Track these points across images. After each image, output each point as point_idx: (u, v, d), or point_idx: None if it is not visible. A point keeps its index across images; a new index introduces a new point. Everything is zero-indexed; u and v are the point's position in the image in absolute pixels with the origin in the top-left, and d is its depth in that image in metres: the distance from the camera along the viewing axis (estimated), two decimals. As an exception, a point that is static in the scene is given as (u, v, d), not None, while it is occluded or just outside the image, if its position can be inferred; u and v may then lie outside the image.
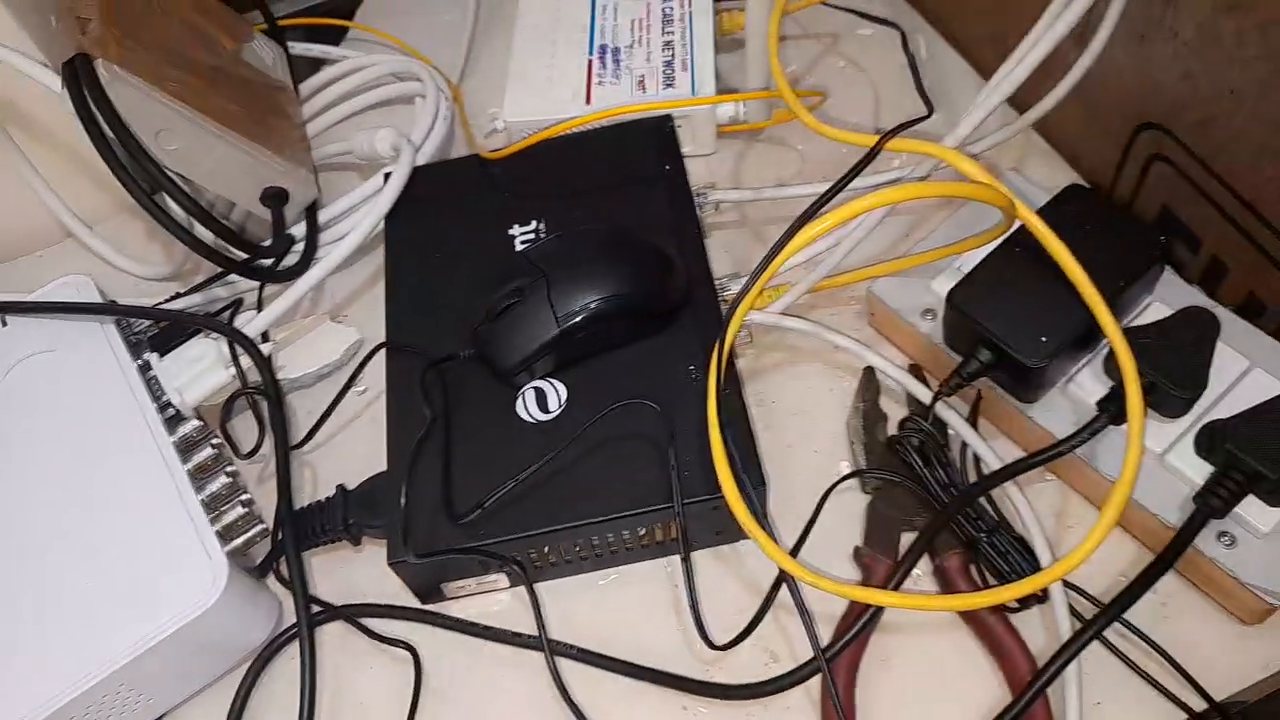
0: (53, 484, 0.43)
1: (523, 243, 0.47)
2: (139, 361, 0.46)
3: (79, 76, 0.44)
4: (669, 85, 0.53)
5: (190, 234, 0.47)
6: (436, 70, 0.59)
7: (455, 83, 0.61)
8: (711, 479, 0.37)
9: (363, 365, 0.48)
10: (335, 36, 0.66)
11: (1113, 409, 0.37)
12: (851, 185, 0.41)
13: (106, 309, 0.47)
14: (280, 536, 0.42)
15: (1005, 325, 0.38)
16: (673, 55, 0.55)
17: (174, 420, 0.44)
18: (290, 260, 0.51)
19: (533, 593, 0.40)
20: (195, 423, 0.44)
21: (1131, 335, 0.37)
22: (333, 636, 0.42)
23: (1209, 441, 0.37)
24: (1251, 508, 0.37)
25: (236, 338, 0.46)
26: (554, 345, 0.41)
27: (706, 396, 0.38)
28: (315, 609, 0.42)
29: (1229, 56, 0.40)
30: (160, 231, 0.46)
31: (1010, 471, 0.38)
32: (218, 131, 0.48)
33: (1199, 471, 0.38)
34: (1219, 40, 0.40)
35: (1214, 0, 0.39)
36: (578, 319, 0.41)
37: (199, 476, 0.43)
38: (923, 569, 0.40)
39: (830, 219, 0.35)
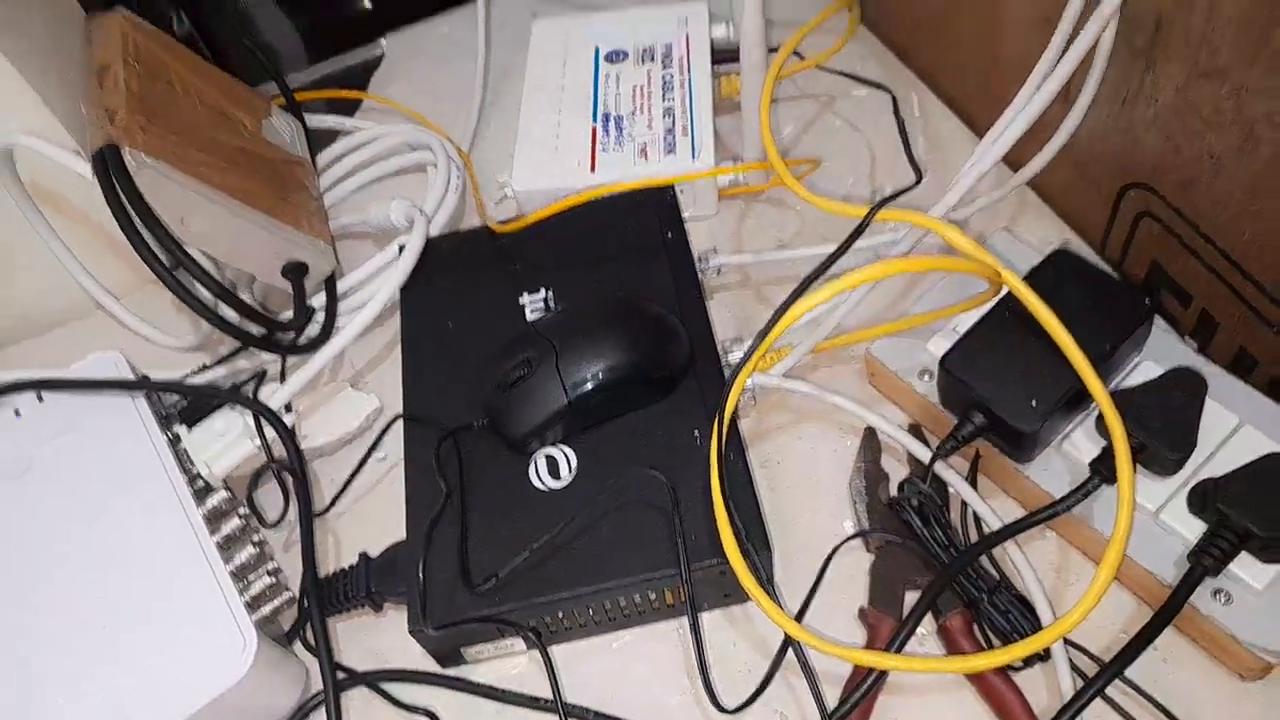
0: (87, 557, 0.44)
1: (532, 310, 0.49)
2: (169, 434, 0.48)
3: (108, 166, 0.46)
4: (670, 151, 0.55)
5: (214, 312, 0.49)
6: (448, 139, 0.62)
7: (465, 150, 0.63)
8: (718, 544, 0.39)
9: (382, 435, 0.50)
10: (349, 107, 0.69)
11: (1105, 469, 0.38)
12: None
13: (138, 385, 0.49)
14: (306, 604, 0.44)
15: (997, 389, 0.40)
16: (673, 122, 0.57)
17: (203, 491, 0.46)
18: (312, 330, 0.53)
19: (547, 657, 0.41)
20: (223, 493, 0.46)
21: (1120, 397, 0.38)
22: (357, 701, 0.44)
23: (1201, 500, 0.38)
24: (1246, 565, 0.38)
25: (261, 411, 0.48)
26: (563, 415, 0.43)
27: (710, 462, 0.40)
28: (340, 675, 0.43)
29: (1206, 121, 0.41)
30: (186, 305, 0.49)
31: (1008, 532, 0.39)
32: (240, 210, 0.50)
33: (1193, 529, 0.39)
34: (1196, 106, 0.41)
35: (1190, 68, 0.41)
36: (585, 389, 0.43)
37: (228, 547, 0.44)
38: (927, 628, 0.41)
39: (819, 295, 0.37)
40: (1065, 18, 0.43)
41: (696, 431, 0.43)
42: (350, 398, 0.53)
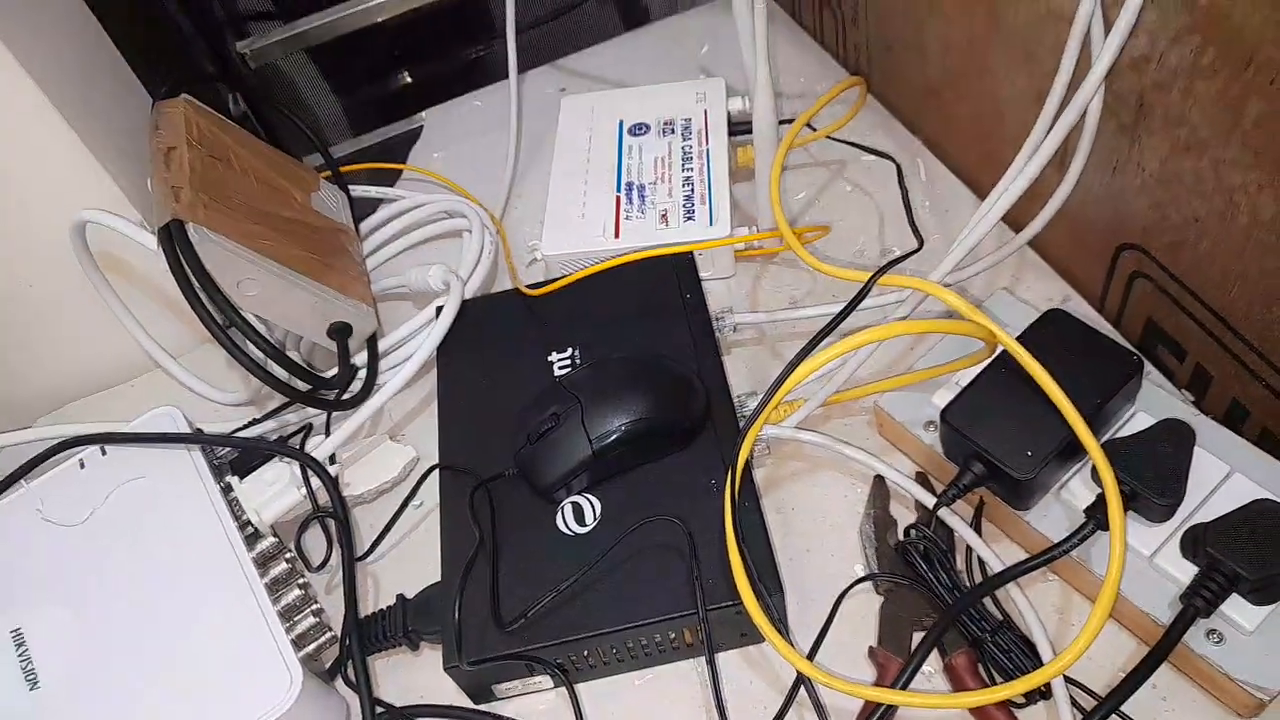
0: (144, 598, 0.48)
1: (560, 368, 0.53)
2: (221, 484, 0.51)
3: (173, 239, 0.50)
4: (689, 218, 0.59)
5: (264, 370, 0.53)
6: (482, 207, 0.66)
7: (498, 217, 0.67)
8: (733, 586, 0.41)
9: (419, 484, 0.53)
10: (391, 176, 0.73)
11: (1100, 516, 0.40)
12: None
13: (194, 439, 0.53)
14: (347, 643, 0.47)
15: (994, 441, 0.42)
16: (692, 190, 0.60)
17: (253, 537, 0.49)
18: (354, 386, 0.56)
19: (573, 693, 0.44)
20: (271, 539, 0.49)
21: (1112, 448, 0.41)
22: (394, 736, 0.46)
23: (1192, 544, 0.40)
24: (1237, 606, 0.39)
25: (308, 462, 0.51)
26: (588, 465, 0.46)
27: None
28: (379, 710, 0.46)
29: (1189, 189, 0.44)
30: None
31: (1008, 575, 0.41)
32: (291, 277, 0.54)
33: (1186, 572, 0.41)
34: (1180, 175, 0.44)
35: (1172, 142, 0.44)
36: (609, 440, 0.46)
37: (275, 589, 0.47)
38: (934, 666, 0.43)
39: (826, 354, 0.40)
40: (1052, 96, 0.46)
41: (713, 481, 0.46)
42: (389, 449, 0.56)
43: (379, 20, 0.80)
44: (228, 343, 0.51)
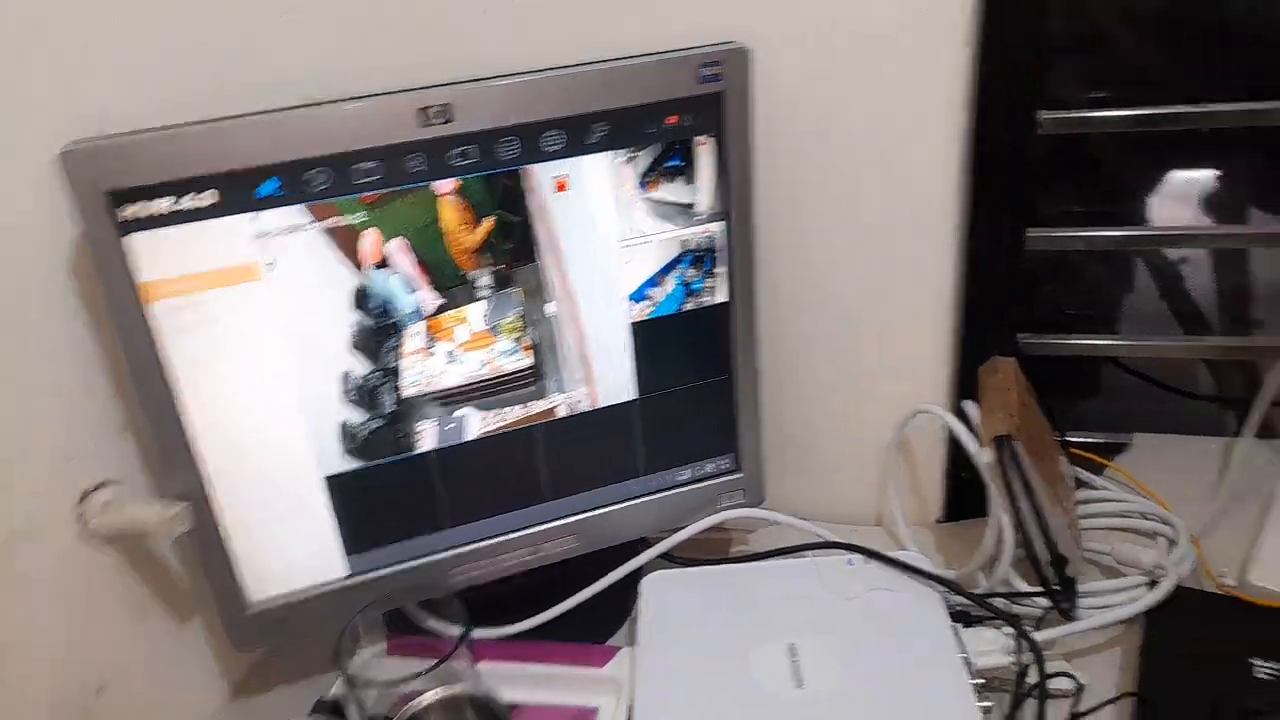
0: (875, 668, 0.65)
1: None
2: (953, 624, 0.68)
3: (1002, 448, 0.71)
4: None
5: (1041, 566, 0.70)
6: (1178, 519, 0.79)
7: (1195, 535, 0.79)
8: None
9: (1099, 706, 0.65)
10: (1097, 468, 0.89)
11: None
12: None
13: (939, 580, 0.71)
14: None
15: None
16: None
17: (970, 673, 0.65)
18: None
19: None
20: (979, 680, 0.65)
21: None
22: None
23: None
24: None
25: (1028, 639, 0.66)
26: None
27: None
28: None
29: None
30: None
31: None
32: (1052, 511, 0.72)
33: None
34: None
35: None
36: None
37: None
38: None
39: None
40: None
41: None
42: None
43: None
44: (1024, 539, 0.70)
